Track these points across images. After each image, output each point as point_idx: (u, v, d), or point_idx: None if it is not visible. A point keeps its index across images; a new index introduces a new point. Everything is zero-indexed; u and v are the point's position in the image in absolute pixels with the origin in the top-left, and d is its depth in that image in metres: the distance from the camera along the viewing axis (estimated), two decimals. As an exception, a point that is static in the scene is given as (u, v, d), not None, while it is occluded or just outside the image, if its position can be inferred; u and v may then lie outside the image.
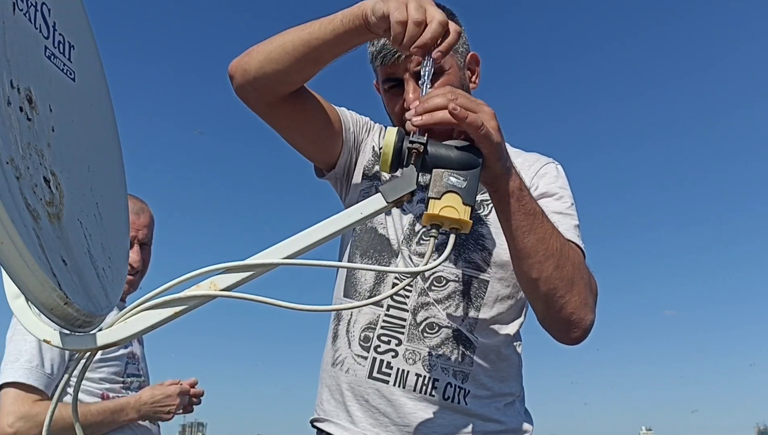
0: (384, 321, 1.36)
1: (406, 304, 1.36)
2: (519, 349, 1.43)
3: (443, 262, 0.97)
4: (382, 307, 1.37)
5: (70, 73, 0.98)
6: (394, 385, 1.32)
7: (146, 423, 2.05)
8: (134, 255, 2.09)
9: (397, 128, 1.02)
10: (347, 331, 1.39)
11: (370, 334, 1.36)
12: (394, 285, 1.36)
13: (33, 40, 0.88)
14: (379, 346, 1.34)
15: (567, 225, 1.34)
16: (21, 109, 0.81)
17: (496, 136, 1.02)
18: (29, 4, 0.87)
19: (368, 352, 1.35)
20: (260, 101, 1.34)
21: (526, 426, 1.40)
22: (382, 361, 1.33)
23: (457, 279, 1.36)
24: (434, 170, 0.99)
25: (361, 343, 1.36)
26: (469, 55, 1.43)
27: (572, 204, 1.40)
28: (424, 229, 1.39)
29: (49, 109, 0.89)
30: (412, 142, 0.99)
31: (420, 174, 1.00)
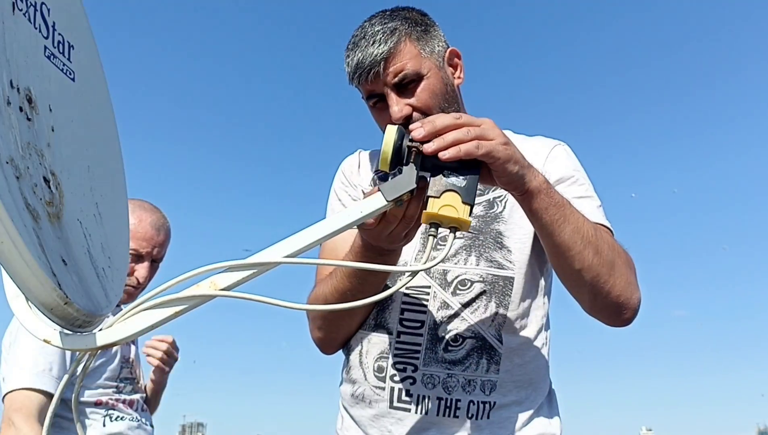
0: (396, 348, 1.32)
1: (418, 328, 1.32)
2: (546, 349, 1.40)
3: (442, 261, 0.95)
4: (392, 334, 1.33)
5: (70, 73, 0.98)
6: (416, 412, 1.29)
7: (142, 424, 2.04)
8: (143, 271, 2.04)
9: (397, 126, 1.01)
10: (360, 362, 1.36)
11: (384, 364, 1.32)
12: (405, 302, 1.33)
13: (33, 40, 0.88)
14: (394, 375, 1.31)
15: (591, 207, 1.32)
16: (21, 109, 0.81)
17: (507, 151, 1.01)
18: (29, 4, 0.87)
19: (385, 383, 1.32)
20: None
21: (554, 426, 1.37)
22: (400, 389, 1.30)
23: (481, 279, 1.33)
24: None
25: (376, 373, 1.33)
26: (448, 51, 1.39)
27: (590, 184, 1.38)
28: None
29: (49, 109, 0.89)
30: (412, 140, 0.99)
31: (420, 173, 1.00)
